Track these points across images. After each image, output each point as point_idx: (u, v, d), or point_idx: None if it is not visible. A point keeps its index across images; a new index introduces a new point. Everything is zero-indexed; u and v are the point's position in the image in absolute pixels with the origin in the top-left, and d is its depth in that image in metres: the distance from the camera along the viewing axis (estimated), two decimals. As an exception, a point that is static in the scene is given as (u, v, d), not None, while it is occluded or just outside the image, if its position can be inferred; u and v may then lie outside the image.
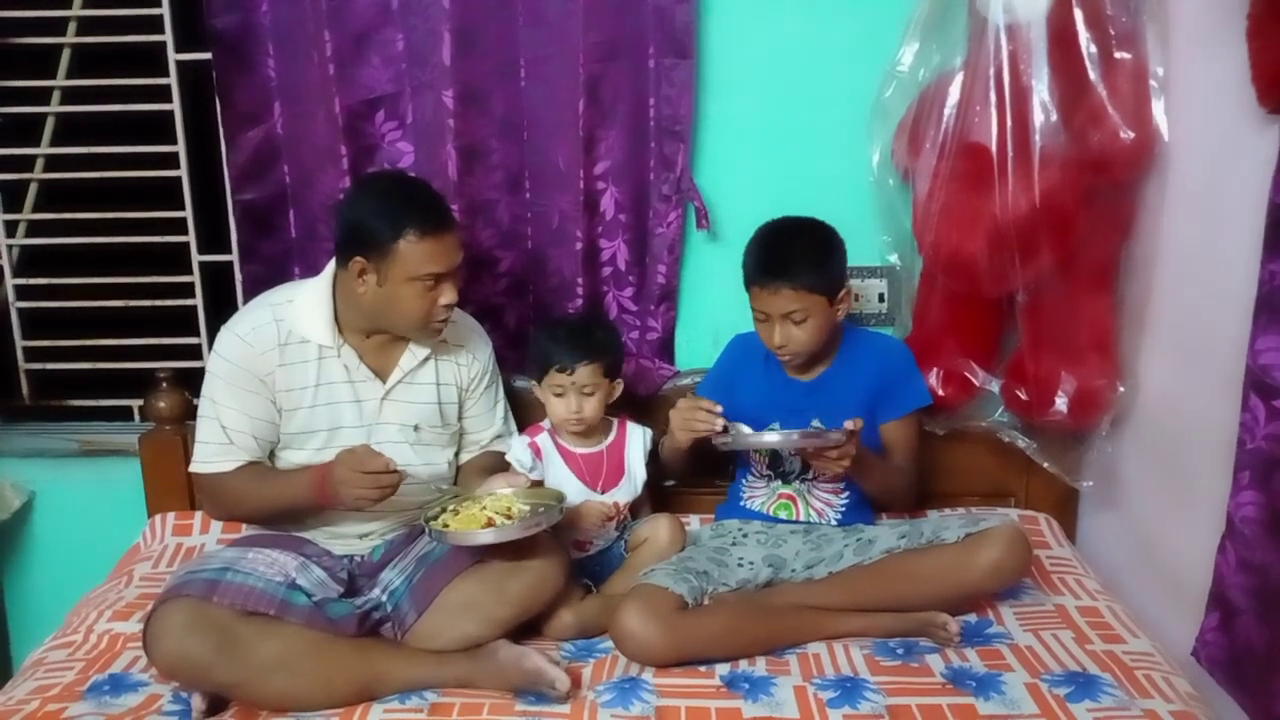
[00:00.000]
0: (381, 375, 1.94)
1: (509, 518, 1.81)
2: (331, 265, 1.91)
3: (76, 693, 1.71)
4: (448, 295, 1.85)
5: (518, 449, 2.08)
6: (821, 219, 2.05)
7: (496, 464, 2.07)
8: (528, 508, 1.85)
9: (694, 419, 1.95)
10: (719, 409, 1.95)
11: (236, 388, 1.86)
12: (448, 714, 1.66)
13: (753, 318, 2.04)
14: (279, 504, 1.88)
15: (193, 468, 1.91)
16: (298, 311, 1.89)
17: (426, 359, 1.97)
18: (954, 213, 2.05)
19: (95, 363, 2.56)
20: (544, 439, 2.10)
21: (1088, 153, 1.94)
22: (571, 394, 2.03)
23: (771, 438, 1.97)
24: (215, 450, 1.88)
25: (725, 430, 1.94)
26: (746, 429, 2.00)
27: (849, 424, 1.88)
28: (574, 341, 2.03)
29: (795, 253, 1.97)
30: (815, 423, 2.05)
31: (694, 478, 2.29)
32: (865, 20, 2.22)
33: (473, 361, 2.04)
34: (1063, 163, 1.95)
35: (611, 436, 2.14)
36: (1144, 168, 1.98)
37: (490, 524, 1.79)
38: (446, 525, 1.80)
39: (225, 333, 1.89)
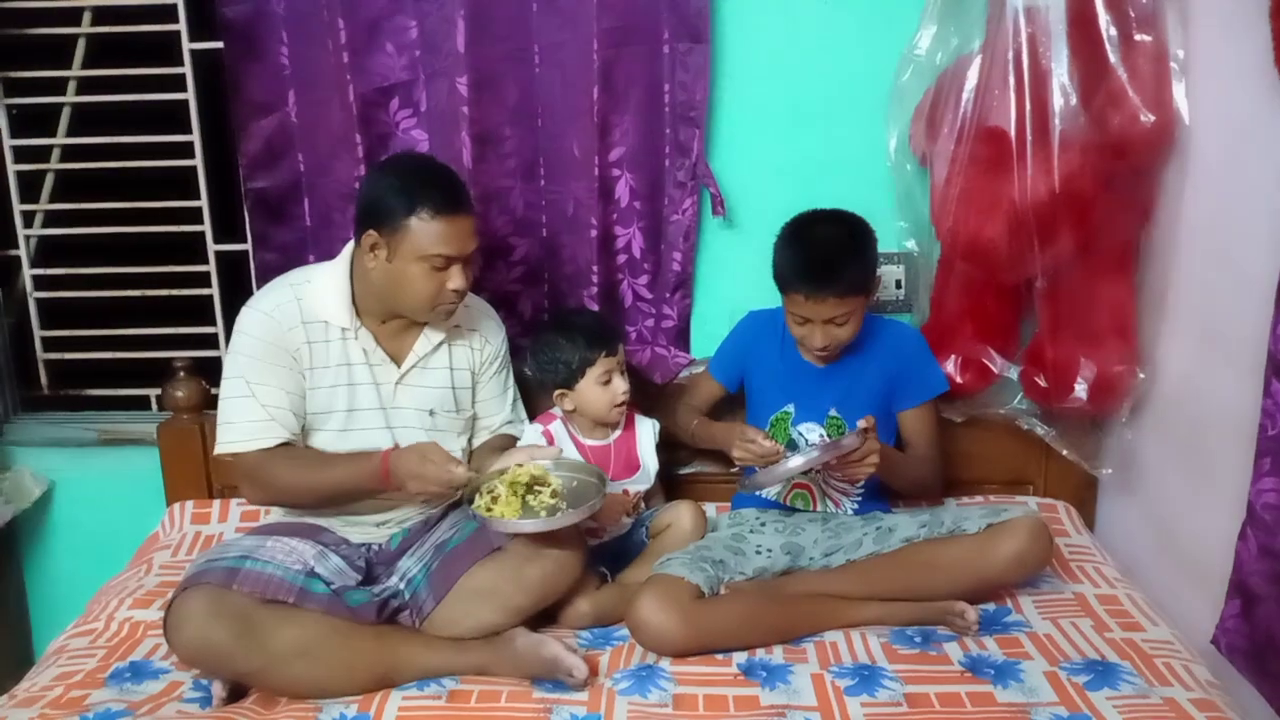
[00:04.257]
0: (397, 360, 1.94)
1: (546, 485, 1.80)
2: (349, 248, 1.91)
3: (99, 680, 1.73)
4: (456, 280, 1.84)
5: (531, 437, 2.08)
6: (846, 209, 2.02)
7: (508, 447, 2.04)
8: (559, 482, 1.83)
9: (762, 455, 1.90)
10: (781, 447, 1.91)
11: (268, 363, 1.84)
12: (466, 701, 1.67)
13: (786, 318, 2.01)
14: (334, 487, 1.85)
15: (231, 448, 1.85)
16: (316, 292, 1.89)
17: (440, 344, 1.97)
18: (972, 198, 2.03)
19: (112, 352, 2.58)
20: (557, 426, 2.11)
21: (1107, 136, 1.92)
22: (617, 376, 2.06)
23: (794, 463, 1.87)
24: (256, 428, 1.83)
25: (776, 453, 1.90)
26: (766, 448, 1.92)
27: (861, 423, 1.87)
28: (600, 326, 2.11)
29: (840, 258, 1.93)
30: (832, 411, 2.05)
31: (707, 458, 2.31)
32: (882, 3, 2.20)
33: (485, 344, 2.04)
34: (1082, 146, 1.93)
35: (619, 430, 2.14)
36: (1164, 151, 1.96)
37: (528, 503, 1.78)
38: (490, 509, 1.76)
39: (249, 310, 1.88)
